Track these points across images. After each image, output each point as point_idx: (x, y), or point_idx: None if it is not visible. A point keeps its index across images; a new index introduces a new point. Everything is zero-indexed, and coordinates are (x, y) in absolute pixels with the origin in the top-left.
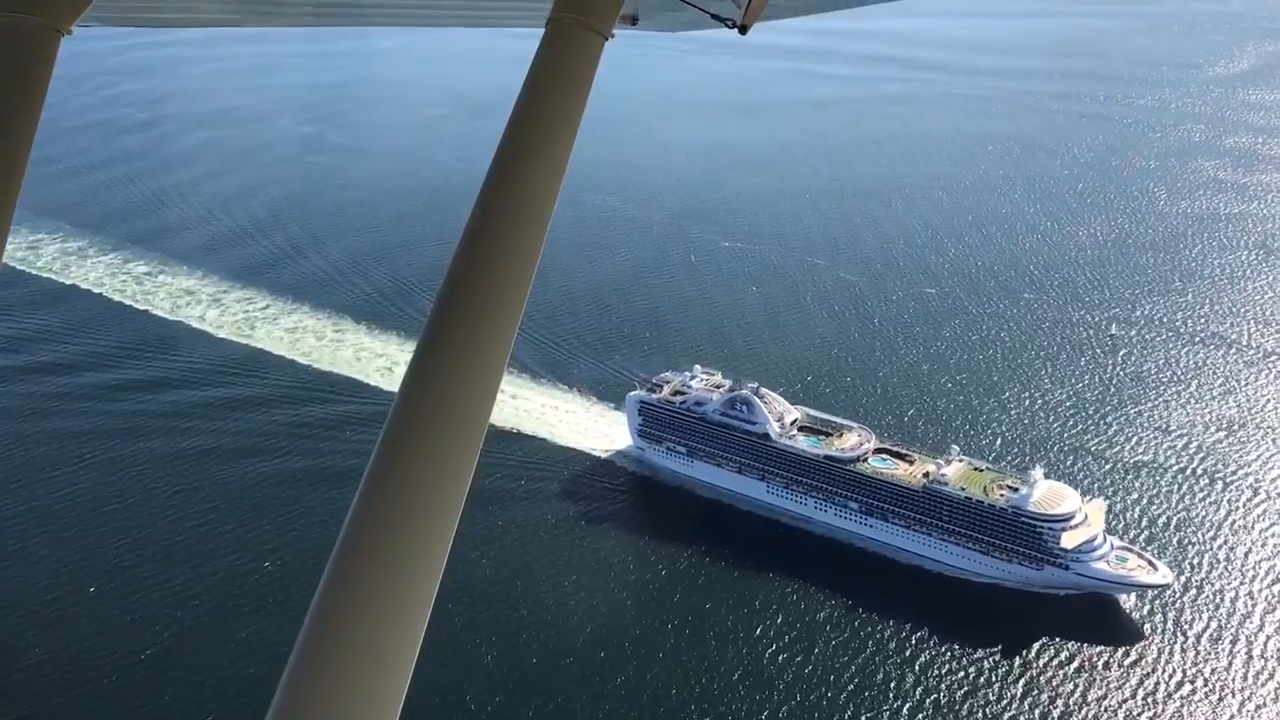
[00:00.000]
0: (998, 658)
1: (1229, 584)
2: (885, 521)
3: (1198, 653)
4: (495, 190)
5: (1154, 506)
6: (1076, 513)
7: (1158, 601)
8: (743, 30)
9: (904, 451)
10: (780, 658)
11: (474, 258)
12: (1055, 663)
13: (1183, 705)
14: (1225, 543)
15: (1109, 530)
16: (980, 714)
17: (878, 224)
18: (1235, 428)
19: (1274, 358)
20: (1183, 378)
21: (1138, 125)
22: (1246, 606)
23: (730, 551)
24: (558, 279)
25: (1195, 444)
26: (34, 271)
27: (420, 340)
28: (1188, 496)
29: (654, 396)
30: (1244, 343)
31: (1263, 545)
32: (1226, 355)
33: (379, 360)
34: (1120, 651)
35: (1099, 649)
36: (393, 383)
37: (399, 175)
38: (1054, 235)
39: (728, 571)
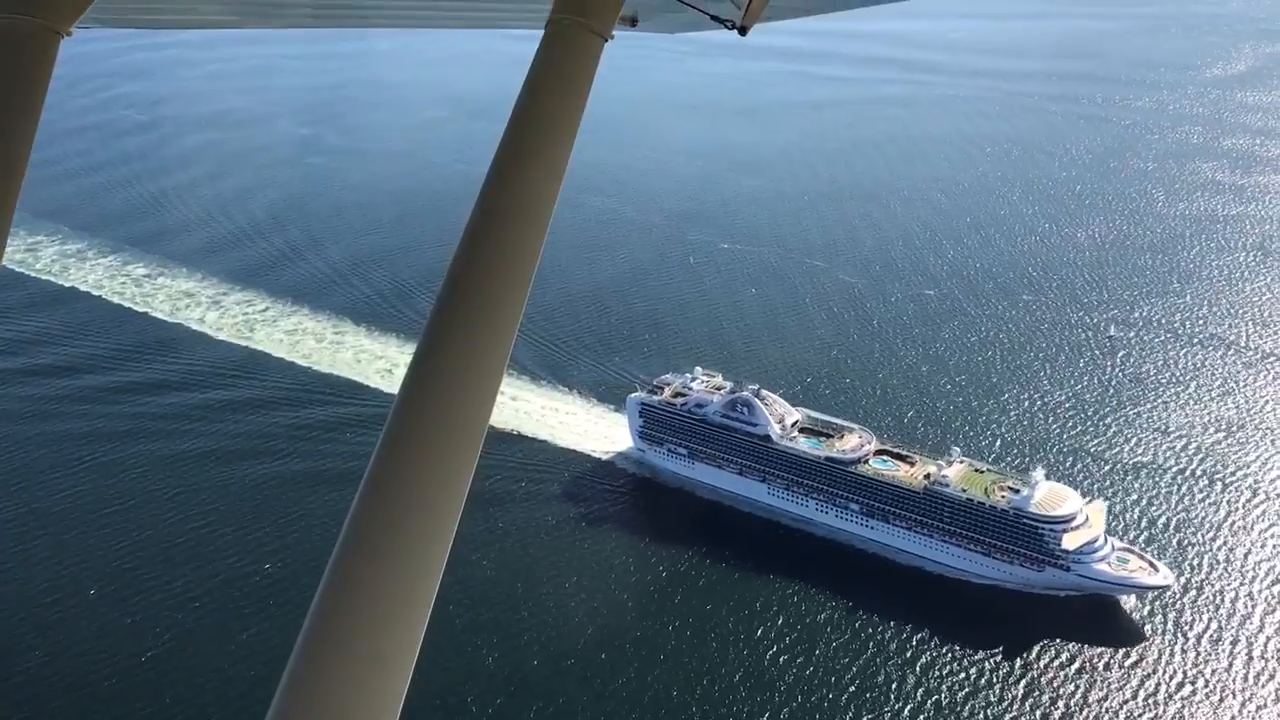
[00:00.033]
0: (999, 659)
1: (1229, 585)
2: (886, 523)
3: (1198, 654)
4: (495, 192)
5: (1154, 508)
6: (1077, 514)
7: (1158, 603)
8: (742, 31)
9: (905, 453)
10: (781, 659)
11: (474, 259)
12: (1056, 664)
13: (1183, 706)
14: (1225, 544)
15: (1109, 531)
16: (981, 715)
17: (876, 226)
18: (1234, 429)
19: (1273, 359)
20: (1182, 379)
21: (1136, 127)
22: (1246, 607)
23: (731, 553)
24: (557, 281)
25: (1195, 445)
26: (33, 274)
27: (420, 342)
28: (1188, 498)
29: (655, 398)
30: (1242, 344)
31: (1262, 546)
32: (1225, 356)
33: (379, 362)
34: (1121, 653)
35: (1100, 650)
36: (392, 384)
37: (398, 177)
38: (1052, 237)
39: (729, 573)
